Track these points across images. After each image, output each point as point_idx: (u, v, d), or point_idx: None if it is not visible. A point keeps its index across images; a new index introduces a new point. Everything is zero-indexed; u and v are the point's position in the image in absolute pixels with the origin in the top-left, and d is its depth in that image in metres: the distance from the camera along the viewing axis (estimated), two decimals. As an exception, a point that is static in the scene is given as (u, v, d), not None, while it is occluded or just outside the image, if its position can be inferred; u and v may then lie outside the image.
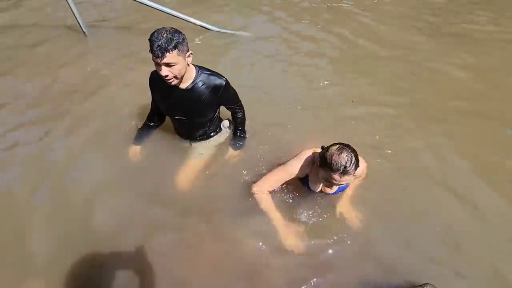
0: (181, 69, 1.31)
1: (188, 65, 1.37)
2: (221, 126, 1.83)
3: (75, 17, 2.93)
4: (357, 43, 2.98)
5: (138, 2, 2.81)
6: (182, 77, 1.38)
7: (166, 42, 1.19)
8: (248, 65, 2.69)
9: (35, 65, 2.66)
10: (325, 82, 2.45)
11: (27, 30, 3.17)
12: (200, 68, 1.48)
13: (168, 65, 1.26)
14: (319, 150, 1.31)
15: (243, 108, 1.75)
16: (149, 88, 1.59)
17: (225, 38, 3.07)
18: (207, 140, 1.80)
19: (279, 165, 1.46)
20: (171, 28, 1.25)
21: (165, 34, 1.20)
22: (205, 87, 1.47)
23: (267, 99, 2.27)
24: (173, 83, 1.34)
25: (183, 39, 1.26)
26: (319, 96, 2.31)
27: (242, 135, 1.82)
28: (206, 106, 1.54)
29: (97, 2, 3.64)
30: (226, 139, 1.85)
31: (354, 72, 2.57)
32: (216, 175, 1.71)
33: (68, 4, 2.82)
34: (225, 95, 1.54)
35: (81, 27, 3.00)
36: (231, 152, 1.81)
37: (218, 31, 3.12)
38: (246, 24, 3.33)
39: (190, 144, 1.81)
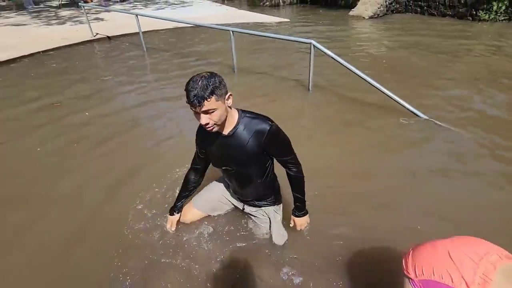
0: (222, 115, 1.22)
1: (230, 107, 1.30)
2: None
3: (309, 76, 3.79)
4: None
5: (361, 77, 3.27)
6: (224, 123, 1.31)
7: (202, 90, 1.12)
8: (441, 170, 2.47)
9: (259, 105, 3.67)
10: None
11: (265, 82, 4.41)
12: (243, 112, 1.37)
13: (207, 112, 1.18)
14: None
15: (299, 163, 1.51)
16: (195, 142, 1.57)
17: (433, 129, 2.97)
18: (261, 208, 1.70)
19: None
20: (206, 72, 1.19)
21: (200, 82, 1.13)
22: (247, 132, 1.34)
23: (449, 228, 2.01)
24: (214, 130, 1.26)
25: (219, 81, 1.18)
26: None
27: (300, 197, 1.58)
28: (251, 154, 1.38)
29: (325, 72, 4.48)
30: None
31: None
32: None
33: (310, 66, 3.69)
34: (272, 142, 1.36)
35: (309, 84, 3.84)
36: (295, 220, 1.67)
37: (427, 119, 3.07)
38: (466, 121, 3.07)
39: (243, 207, 1.77)
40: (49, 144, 2.84)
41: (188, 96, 1.14)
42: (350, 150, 2.66)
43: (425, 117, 3.08)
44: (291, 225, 1.70)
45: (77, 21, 8.70)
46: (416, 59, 5.13)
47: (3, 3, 11.36)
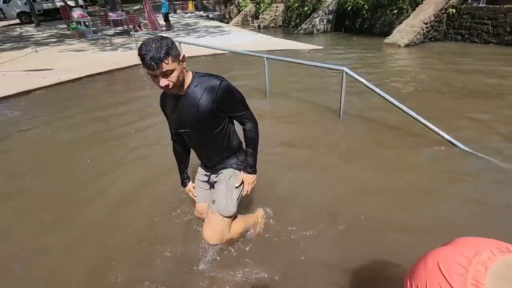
0: (179, 75, 1.25)
1: (185, 70, 1.34)
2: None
3: (340, 102, 3.81)
4: None
5: (392, 104, 3.23)
6: (182, 84, 1.33)
7: (157, 51, 1.14)
8: (481, 204, 2.30)
9: (291, 131, 3.73)
10: None
11: (296, 107, 4.50)
12: (197, 73, 1.40)
13: (165, 74, 1.20)
14: None
15: (253, 119, 1.52)
16: (160, 109, 1.59)
17: (472, 159, 2.80)
18: (222, 171, 1.63)
19: None
20: (155, 36, 1.21)
21: (153, 44, 1.15)
22: (200, 89, 1.35)
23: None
24: (174, 91, 1.29)
25: (172, 43, 1.20)
26: None
27: (253, 152, 1.56)
28: (205, 111, 1.37)
29: (357, 99, 4.48)
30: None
31: None
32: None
33: (341, 93, 3.73)
34: (224, 97, 1.37)
35: (340, 111, 3.85)
36: (241, 175, 1.61)
37: (467, 151, 2.91)
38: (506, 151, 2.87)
39: (209, 179, 1.74)
40: (98, 158, 3.13)
41: (143, 60, 1.15)
42: (389, 179, 2.59)
43: (465, 148, 2.93)
44: (237, 185, 1.61)
45: (127, 47, 9.68)
46: (454, 88, 4.93)
47: (68, 32, 13.01)
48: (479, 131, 3.35)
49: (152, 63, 1.14)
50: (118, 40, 11.24)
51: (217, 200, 1.59)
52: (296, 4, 14.76)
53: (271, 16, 15.88)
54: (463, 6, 9.13)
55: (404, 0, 10.36)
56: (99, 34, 12.90)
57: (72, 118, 4.26)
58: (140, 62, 1.19)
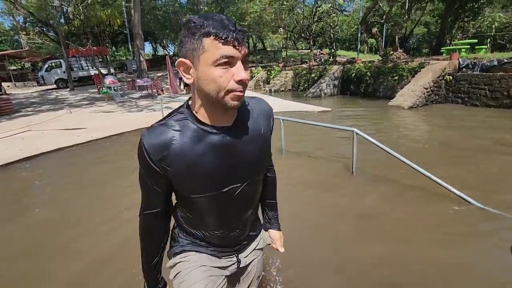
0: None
1: None
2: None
3: (352, 161, 4.08)
4: None
5: (400, 161, 3.47)
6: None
7: (234, 25, 0.72)
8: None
9: (306, 188, 3.95)
10: None
11: (311, 164, 4.79)
12: None
13: (245, 61, 0.76)
14: None
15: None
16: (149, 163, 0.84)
17: (490, 218, 2.90)
18: (256, 240, 1.15)
19: None
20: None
21: (223, 16, 0.74)
22: (256, 111, 0.92)
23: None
24: (239, 104, 0.79)
25: None
26: None
27: (276, 203, 1.23)
28: (267, 147, 0.97)
29: (368, 157, 4.77)
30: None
31: None
32: None
33: (353, 152, 4.03)
34: (272, 128, 0.99)
35: (352, 167, 4.10)
36: (275, 234, 1.22)
37: (480, 207, 3.02)
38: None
39: (238, 262, 1.09)
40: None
41: (221, 30, 0.70)
42: (401, 237, 2.70)
43: (479, 205, 3.05)
44: (270, 245, 1.23)
45: (151, 109, 10.63)
46: (460, 145, 5.19)
47: (99, 95, 14.47)
48: (490, 187, 3.49)
49: (238, 35, 0.72)
50: (143, 102, 12.38)
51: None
52: (304, 72, 16.26)
53: (281, 81, 17.36)
54: (458, 74, 9.96)
55: (403, 68, 11.39)
56: (126, 97, 14.27)
57: (105, 170, 4.63)
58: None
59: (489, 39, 20.62)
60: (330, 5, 16.10)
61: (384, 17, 16.07)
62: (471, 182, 3.67)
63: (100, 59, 22.06)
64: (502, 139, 5.53)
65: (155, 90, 14.70)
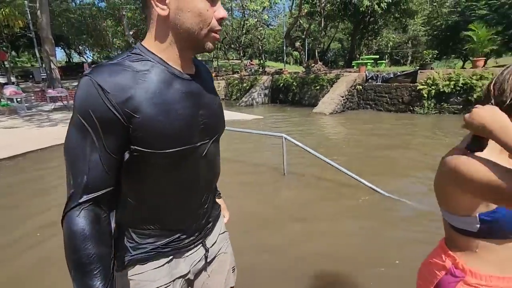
0: None
1: None
2: None
3: (283, 163, 4.40)
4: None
5: (328, 164, 3.92)
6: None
7: None
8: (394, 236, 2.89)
9: (244, 188, 4.13)
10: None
11: (245, 169, 5.02)
12: None
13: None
14: None
15: None
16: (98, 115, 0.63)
17: (391, 202, 3.49)
18: (220, 223, 1.00)
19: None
20: None
21: None
22: (204, 70, 0.86)
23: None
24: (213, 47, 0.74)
25: None
26: None
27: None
28: (220, 103, 0.88)
29: (297, 159, 5.21)
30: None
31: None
32: None
33: (283, 155, 4.35)
34: None
35: (283, 170, 4.43)
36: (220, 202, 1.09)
37: (384, 194, 3.62)
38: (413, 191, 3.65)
39: (206, 252, 0.90)
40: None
41: None
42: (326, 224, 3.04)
43: (386, 193, 3.64)
44: (225, 218, 1.13)
45: (67, 122, 9.46)
46: (371, 144, 6.10)
47: (-4, 109, 12.17)
48: (395, 178, 4.20)
49: None
50: (57, 115, 10.91)
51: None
52: (236, 81, 16.72)
53: (214, 91, 17.43)
54: (366, 84, 11.66)
55: (323, 79, 12.76)
56: (34, 110, 12.36)
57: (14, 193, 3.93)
58: None
59: (387, 55, 24.66)
60: (256, 19, 17.00)
61: (305, 32, 17.77)
62: (379, 174, 4.35)
63: (-4, 66, 18.62)
64: (403, 138, 6.69)
65: (72, 101, 13.10)
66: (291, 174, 4.46)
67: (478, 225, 0.84)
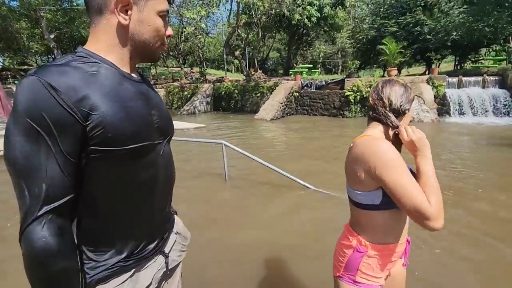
0: None
1: None
2: None
3: (224, 169, 4.46)
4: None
5: (268, 167, 4.10)
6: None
7: None
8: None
9: (190, 193, 4.07)
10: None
11: (187, 177, 4.95)
12: None
13: None
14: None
15: None
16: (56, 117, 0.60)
17: (321, 195, 3.82)
18: (175, 225, 0.99)
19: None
20: None
21: None
22: (146, 77, 0.89)
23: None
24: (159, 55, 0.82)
25: None
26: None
27: None
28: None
29: (239, 164, 5.33)
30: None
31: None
32: None
33: (224, 161, 4.40)
34: None
35: (225, 175, 4.48)
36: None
37: (314, 189, 3.95)
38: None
39: (166, 260, 0.87)
40: None
41: None
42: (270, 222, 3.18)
43: (313, 188, 3.97)
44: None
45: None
46: (306, 146, 6.57)
47: None
48: (322, 175, 4.59)
49: None
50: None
51: None
52: (177, 89, 16.27)
53: (153, 100, 16.65)
54: (302, 91, 12.52)
55: (263, 86, 13.27)
56: None
57: None
58: None
59: (320, 65, 26.84)
60: (194, 28, 16.90)
61: (244, 42, 18.30)
62: (311, 172, 4.71)
63: None
64: (334, 140, 7.34)
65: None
66: (232, 178, 4.54)
67: (381, 198, 1.01)
